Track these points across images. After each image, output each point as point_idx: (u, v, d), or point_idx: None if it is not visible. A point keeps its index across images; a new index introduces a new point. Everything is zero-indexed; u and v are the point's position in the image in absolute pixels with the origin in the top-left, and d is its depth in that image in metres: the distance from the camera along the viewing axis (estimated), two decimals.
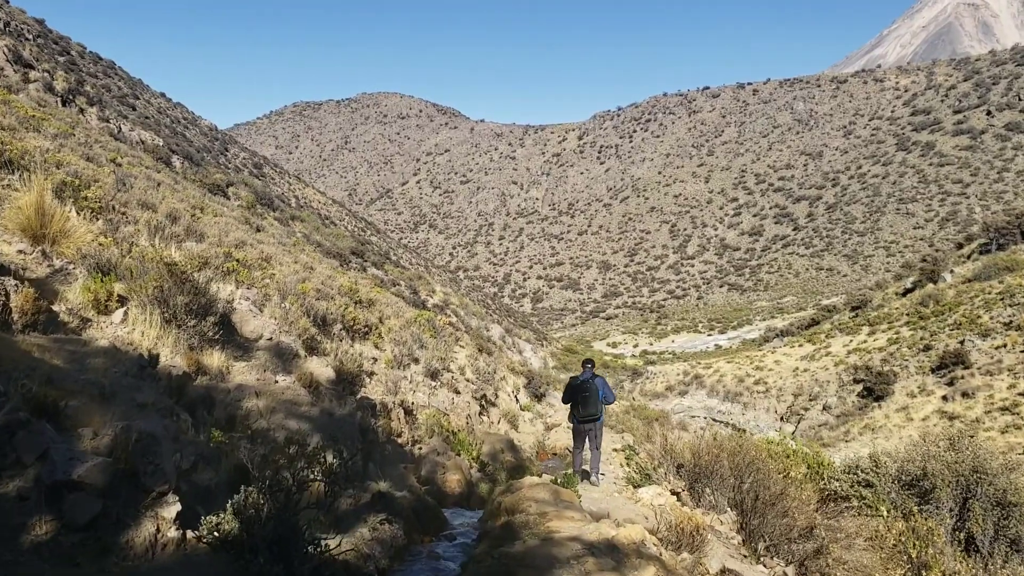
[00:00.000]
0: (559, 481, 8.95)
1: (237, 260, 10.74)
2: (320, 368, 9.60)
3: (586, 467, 11.20)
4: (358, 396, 10.19)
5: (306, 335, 10.35)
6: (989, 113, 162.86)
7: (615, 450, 14.12)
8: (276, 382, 8.26)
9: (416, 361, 14.69)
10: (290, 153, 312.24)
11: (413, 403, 12.69)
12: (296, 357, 9.40)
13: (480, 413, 15.87)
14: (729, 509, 8.05)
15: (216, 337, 7.93)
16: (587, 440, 11.02)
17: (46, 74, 22.93)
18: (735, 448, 7.89)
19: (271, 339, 9.23)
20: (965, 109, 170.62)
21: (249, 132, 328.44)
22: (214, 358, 7.66)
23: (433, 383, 14.51)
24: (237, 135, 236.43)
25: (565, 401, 11.07)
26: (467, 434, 13.32)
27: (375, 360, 13.14)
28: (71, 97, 23.14)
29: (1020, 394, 26.08)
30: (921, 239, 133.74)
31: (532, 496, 7.78)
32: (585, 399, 10.54)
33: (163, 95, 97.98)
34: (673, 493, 8.61)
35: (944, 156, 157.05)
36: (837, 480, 8.90)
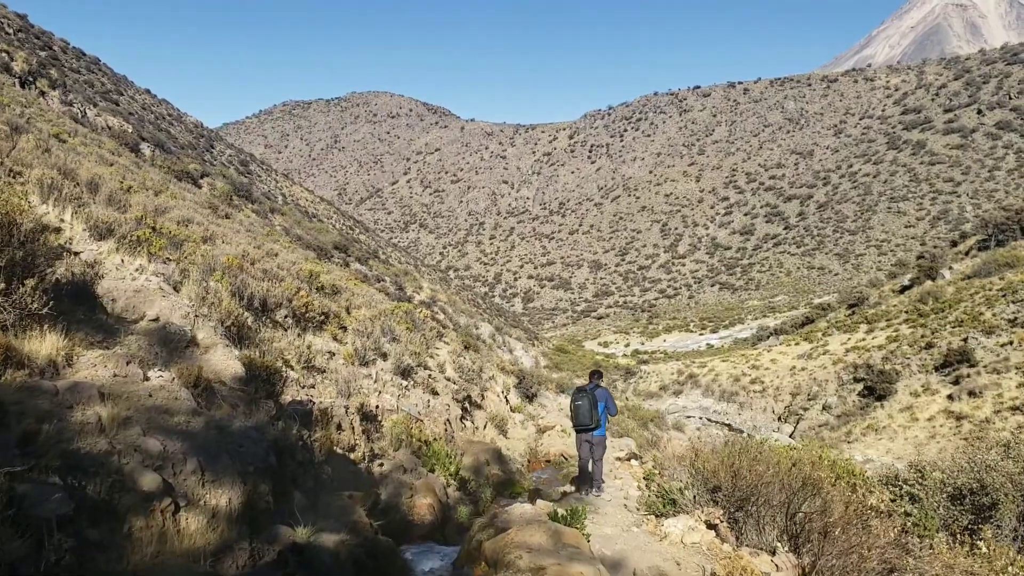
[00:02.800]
0: (560, 515, 7.20)
1: (152, 228, 9.10)
2: (223, 361, 7.46)
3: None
4: (286, 400, 8.19)
5: (231, 320, 8.37)
6: (980, 112, 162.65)
7: (618, 459, 12.71)
8: (146, 379, 5.94)
9: (384, 356, 12.69)
10: (279, 152, 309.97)
11: (377, 407, 10.71)
12: (192, 346, 7.24)
13: (462, 417, 13.94)
14: (779, 544, 6.48)
15: (55, 312, 5.81)
16: (587, 452, 10.50)
17: (3, 54, 21.62)
18: (788, 464, 6.59)
19: (157, 320, 7.06)
20: (956, 108, 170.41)
21: (238, 131, 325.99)
22: (45, 343, 5.57)
23: (404, 382, 12.49)
24: (226, 134, 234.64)
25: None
26: (445, 443, 11.50)
27: (331, 355, 11.07)
28: (31, 79, 21.85)
29: None
30: (912, 238, 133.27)
31: (524, 541, 5.96)
32: (576, 408, 10.24)
33: (148, 91, 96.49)
34: (709, 526, 6.93)
35: (935, 155, 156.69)
36: (872, 492, 7.76)
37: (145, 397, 5.63)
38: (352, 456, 8.86)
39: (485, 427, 14.80)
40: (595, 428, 10.21)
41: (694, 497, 7.52)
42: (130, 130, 25.93)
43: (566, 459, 14.16)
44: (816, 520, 5.69)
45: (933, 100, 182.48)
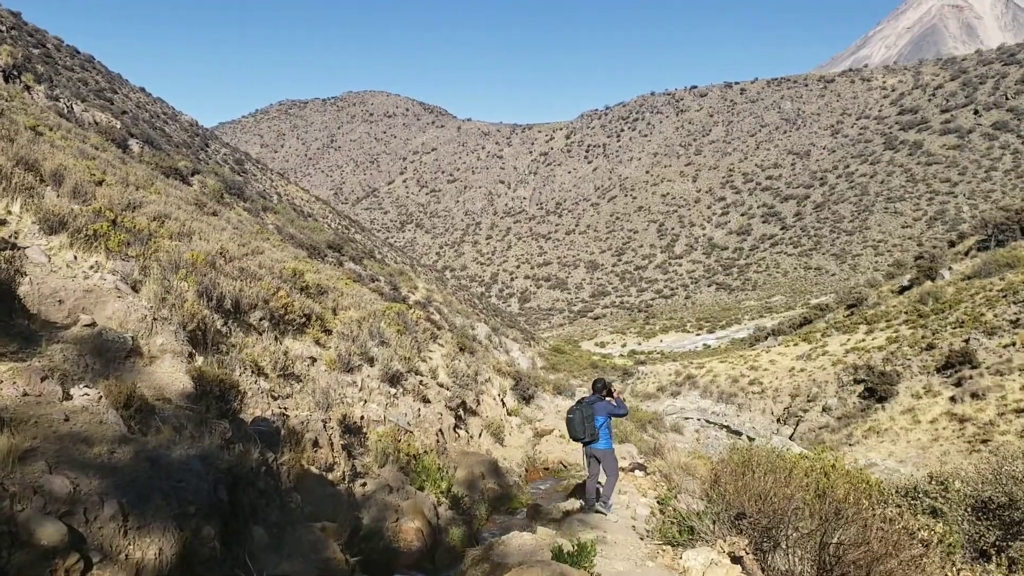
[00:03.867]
0: (566, 553, 6.28)
1: (113, 222, 8.17)
2: (170, 375, 6.40)
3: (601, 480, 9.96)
4: (252, 416, 7.10)
5: (195, 324, 7.45)
6: (976, 112, 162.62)
7: (621, 469, 12.18)
8: (67, 399, 4.90)
9: (371, 362, 11.61)
10: (275, 152, 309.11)
11: (363, 418, 9.71)
12: (134, 356, 6.16)
13: (455, 427, 12.93)
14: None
15: None
16: (596, 467, 9.77)
17: None
18: (818, 484, 6.03)
19: (93, 325, 5.95)
20: (952, 108, 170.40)
21: (234, 131, 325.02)
22: None
23: (393, 390, 11.43)
24: (222, 134, 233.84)
25: None
26: (437, 457, 10.61)
27: (312, 361, 10.09)
28: (16, 73, 21.35)
29: None
30: (909, 238, 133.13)
31: None
32: (568, 422, 9.60)
33: (143, 90, 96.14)
34: (734, 559, 6.02)
35: (932, 155, 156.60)
36: (889, 504, 7.30)
37: (59, 422, 4.55)
38: (330, 477, 7.88)
39: (480, 435, 13.96)
40: (592, 441, 9.55)
41: (714, 523, 6.75)
42: (118, 126, 25.38)
43: (565, 467, 13.54)
44: (851, 551, 5.11)
45: (930, 100, 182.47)
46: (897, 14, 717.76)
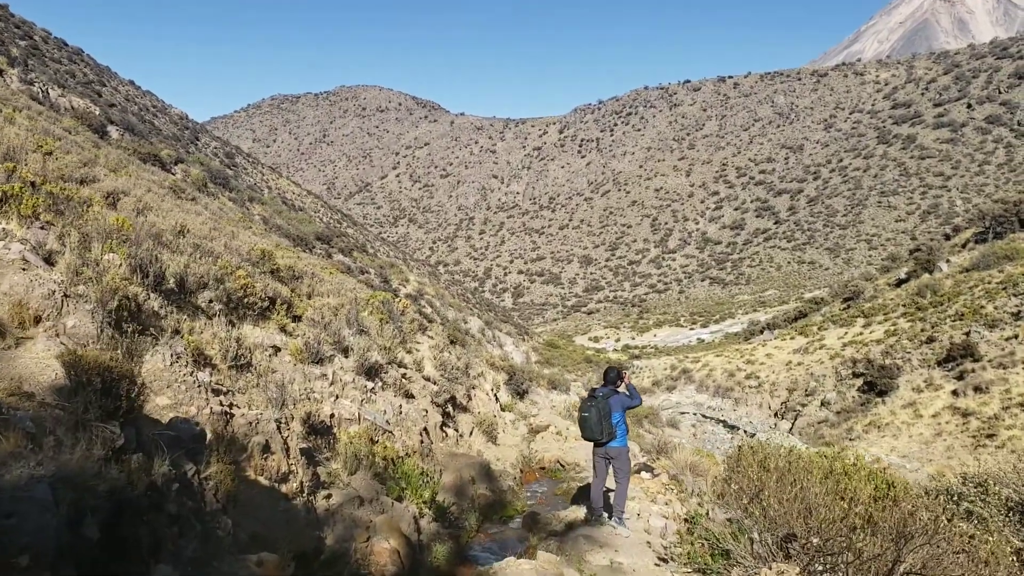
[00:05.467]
0: None
1: (33, 185, 7.13)
2: (40, 361, 5.04)
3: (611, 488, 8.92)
4: (168, 417, 5.70)
5: (117, 301, 6.17)
6: (969, 106, 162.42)
7: None
8: None
9: (345, 352, 10.31)
10: (267, 147, 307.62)
11: (333, 416, 8.42)
12: None
13: (443, 424, 11.67)
14: None
15: None
16: (605, 470, 8.66)
17: None
18: (884, 500, 5.25)
19: None
20: (945, 102, 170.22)
21: (226, 125, 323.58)
22: None
23: (370, 384, 10.09)
24: (214, 128, 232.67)
25: None
26: (420, 460, 9.38)
27: (275, 350, 8.84)
28: None
29: None
30: (903, 232, 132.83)
31: None
32: (582, 421, 8.48)
33: (132, 83, 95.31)
34: None
35: (925, 149, 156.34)
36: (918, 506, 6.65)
37: None
38: (284, 489, 6.52)
39: (471, 434, 12.76)
40: (609, 440, 8.44)
41: (753, 546, 5.59)
42: (97, 112, 24.61)
43: (562, 467, 12.68)
44: None
45: (923, 94, 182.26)
46: (889, 9, 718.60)
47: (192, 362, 6.96)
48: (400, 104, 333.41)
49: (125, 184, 10.60)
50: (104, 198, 9.15)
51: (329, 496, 7.01)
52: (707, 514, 7.34)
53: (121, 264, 7.33)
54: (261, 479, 6.26)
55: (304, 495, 6.70)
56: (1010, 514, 6.15)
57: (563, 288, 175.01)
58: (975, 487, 6.85)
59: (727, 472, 7.09)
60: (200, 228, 10.47)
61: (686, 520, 7.77)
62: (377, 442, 8.91)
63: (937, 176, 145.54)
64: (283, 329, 9.74)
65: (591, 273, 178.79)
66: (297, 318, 10.43)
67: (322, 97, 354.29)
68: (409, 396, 11.24)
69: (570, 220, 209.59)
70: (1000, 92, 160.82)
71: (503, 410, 18.33)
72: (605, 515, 8.68)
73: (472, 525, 8.92)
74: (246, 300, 9.22)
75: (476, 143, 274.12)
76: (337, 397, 9.13)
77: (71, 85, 40.12)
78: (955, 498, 6.74)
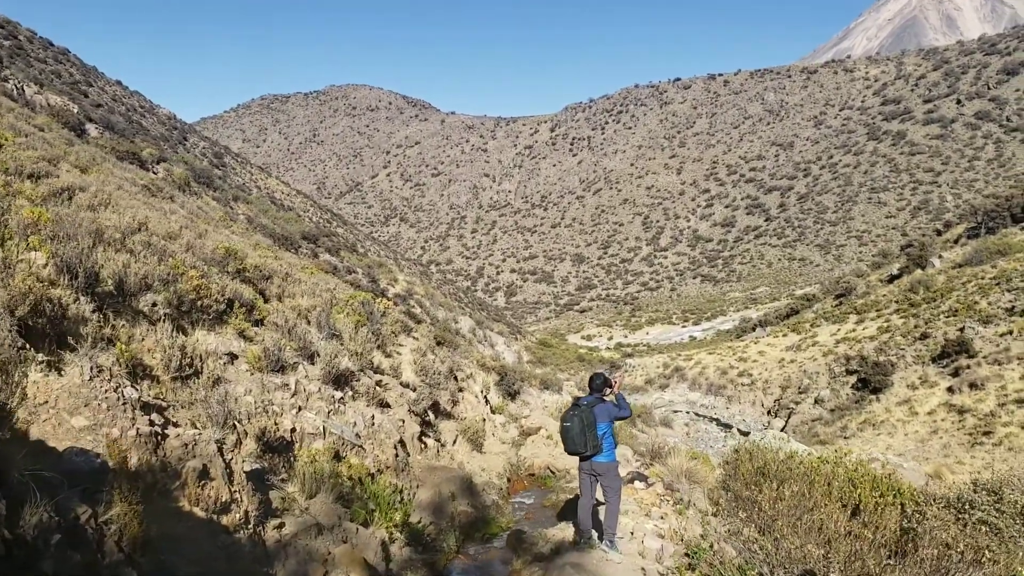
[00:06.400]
0: None
1: None
2: None
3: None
4: (61, 448, 4.81)
5: (28, 307, 5.36)
6: (959, 102, 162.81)
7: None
8: None
9: (311, 359, 9.47)
10: (257, 147, 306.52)
11: (294, 431, 7.55)
12: None
13: (422, 435, 10.73)
14: None
15: None
16: (593, 487, 7.74)
17: None
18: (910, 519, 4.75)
19: None
20: (935, 98, 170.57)
21: (216, 126, 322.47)
22: None
23: (338, 394, 9.20)
24: (203, 129, 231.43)
25: None
26: (394, 476, 8.55)
27: (231, 358, 8.07)
28: None
29: None
30: (893, 228, 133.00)
31: None
32: (564, 431, 7.59)
33: (119, 83, 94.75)
34: None
35: (915, 145, 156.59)
36: (925, 516, 6.27)
37: None
38: (224, 520, 5.59)
39: (455, 443, 11.83)
40: (595, 455, 7.57)
41: None
42: (75, 110, 24.08)
43: (553, 473, 12.14)
44: None
45: (912, 91, 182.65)
46: (878, 6, 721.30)
47: (125, 374, 6.19)
48: (390, 103, 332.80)
49: (86, 181, 10.04)
50: (56, 193, 8.60)
51: (281, 526, 6.19)
52: (711, 547, 6.57)
53: (47, 263, 6.53)
54: (196, 510, 5.44)
55: (250, 526, 5.83)
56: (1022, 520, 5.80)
57: (556, 287, 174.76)
58: (988, 494, 6.49)
59: (724, 480, 6.68)
60: (164, 226, 9.84)
61: (686, 554, 7.01)
62: (344, 459, 8.09)
63: (927, 172, 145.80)
64: (242, 334, 8.94)
65: (583, 271, 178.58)
66: (260, 322, 9.67)
67: (312, 97, 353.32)
68: (384, 405, 10.41)
69: (562, 218, 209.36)
70: (989, 88, 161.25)
71: (493, 412, 17.93)
72: (595, 536, 7.85)
73: (451, 546, 8.18)
74: (200, 303, 8.37)
75: (467, 142, 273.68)
76: (300, 409, 8.27)
77: (56, 85, 39.56)
78: (966, 505, 6.38)
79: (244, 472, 6.07)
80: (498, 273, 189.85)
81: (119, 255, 7.78)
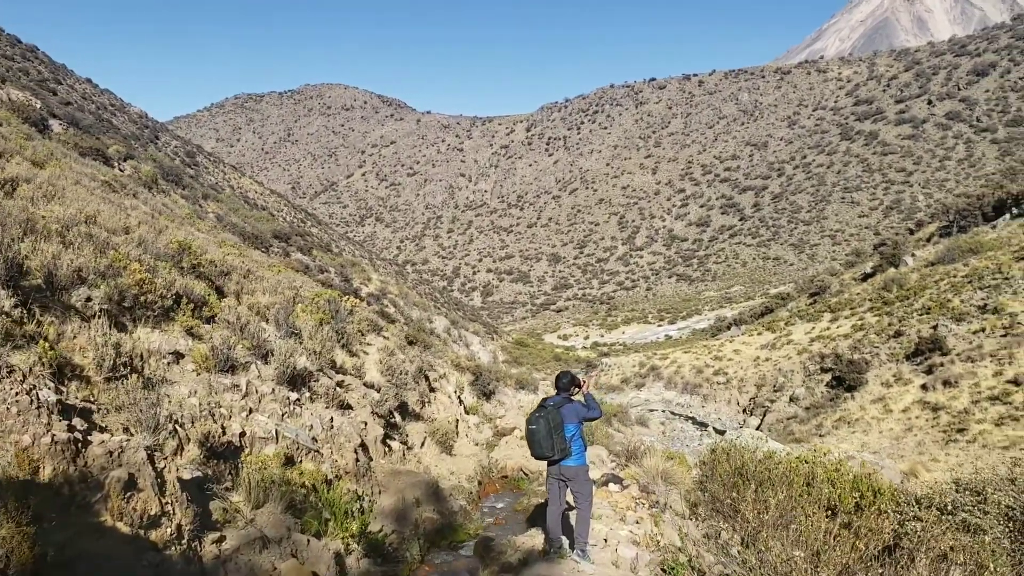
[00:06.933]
0: None
1: None
2: None
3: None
4: None
5: None
6: (930, 103, 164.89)
7: (592, 481, 10.18)
8: None
9: (265, 358, 8.81)
10: (231, 146, 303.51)
11: (243, 435, 6.95)
12: None
13: (386, 438, 10.06)
14: None
15: None
16: (562, 493, 7.23)
17: None
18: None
19: None
20: (907, 99, 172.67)
21: (189, 125, 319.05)
22: None
23: (294, 395, 8.56)
24: (176, 128, 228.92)
25: None
26: (354, 482, 7.93)
27: (177, 357, 7.45)
28: None
29: (1009, 382, 23.98)
30: (866, 227, 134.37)
31: None
32: (530, 434, 7.04)
33: (89, 81, 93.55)
34: None
35: (887, 145, 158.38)
36: (908, 518, 6.03)
37: None
38: (153, 536, 4.99)
39: (423, 445, 11.27)
40: (563, 458, 7.07)
41: None
42: (38, 105, 23.41)
43: (526, 475, 11.75)
44: None
45: (884, 91, 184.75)
46: (851, 7, 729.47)
47: (49, 375, 5.65)
48: (365, 103, 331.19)
49: (36, 174, 9.47)
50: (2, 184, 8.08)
51: (221, 539, 5.51)
52: (689, 561, 6.15)
53: None
54: (120, 525, 4.82)
55: (183, 541, 5.19)
56: (1010, 524, 5.58)
57: (532, 286, 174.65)
58: (972, 495, 6.27)
59: (701, 481, 6.40)
60: (117, 221, 9.36)
61: (663, 569, 6.60)
62: (298, 464, 7.51)
63: (899, 172, 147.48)
64: (190, 332, 8.34)
65: (560, 271, 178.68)
66: (211, 319, 9.10)
67: (286, 96, 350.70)
68: (345, 407, 9.78)
69: (538, 218, 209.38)
70: (960, 89, 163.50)
71: (467, 412, 17.62)
72: (566, 544, 7.41)
73: (415, 556, 7.65)
74: (143, 299, 7.74)
75: (443, 141, 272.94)
76: (251, 411, 7.60)
77: (23, 81, 38.65)
78: (949, 506, 6.16)
79: (179, 481, 5.46)
80: (474, 273, 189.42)
81: (49, 245, 7.20)
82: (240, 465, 6.67)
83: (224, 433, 6.87)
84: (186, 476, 5.78)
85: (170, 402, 6.64)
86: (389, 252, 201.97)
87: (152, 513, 5.06)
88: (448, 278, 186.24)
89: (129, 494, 4.95)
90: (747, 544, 4.80)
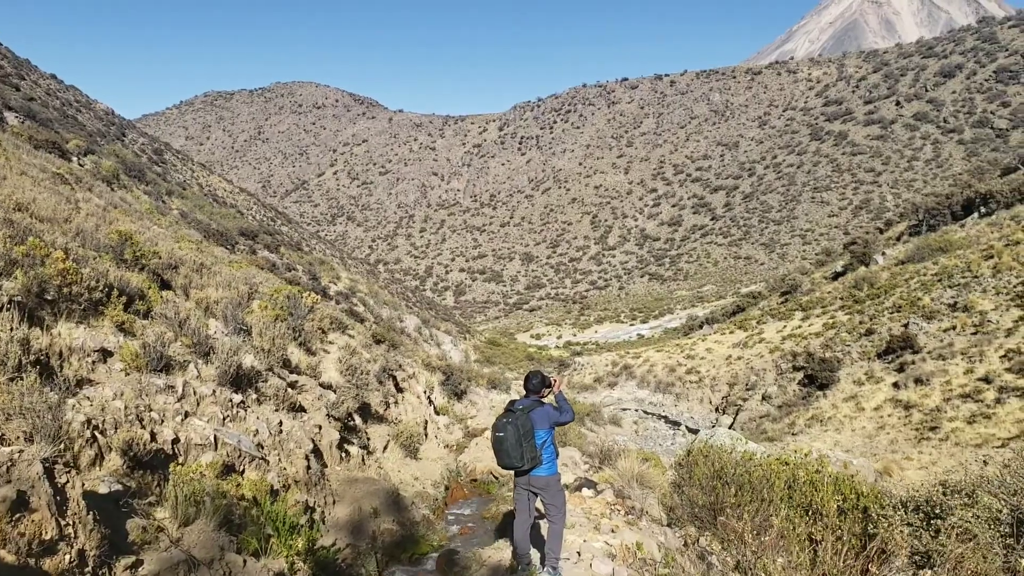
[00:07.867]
0: None
1: None
2: None
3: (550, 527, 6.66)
4: None
5: None
6: (898, 104, 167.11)
7: (565, 485, 9.35)
8: None
9: (206, 356, 8.07)
10: (201, 144, 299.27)
11: (177, 442, 6.29)
12: None
13: (342, 443, 9.36)
14: None
15: None
16: (531, 504, 6.55)
17: None
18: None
19: None
20: (875, 100, 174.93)
21: (158, 123, 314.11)
22: None
23: (238, 397, 7.85)
24: (145, 126, 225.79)
25: None
26: (304, 492, 7.18)
27: (104, 356, 6.75)
28: None
29: (980, 379, 24.02)
30: (836, 227, 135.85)
31: None
32: (497, 442, 6.29)
33: (53, 76, 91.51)
34: None
35: (856, 145, 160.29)
36: (890, 522, 5.69)
37: None
38: (45, 565, 4.16)
39: (386, 449, 10.62)
40: (533, 467, 6.35)
41: None
42: None
43: (496, 478, 11.23)
44: None
45: (854, 92, 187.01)
46: (820, 9, 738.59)
47: None
48: (337, 101, 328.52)
49: None
50: None
51: (137, 564, 4.72)
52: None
53: None
54: (3, 553, 4.01)
55: (87, 569, 4.39)
56: (1000, 527, 5.29)
57: (505, 286, 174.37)
58: (960, 496, 5.96)
59: (678, 483, 6.04)
60: (57, 211, 8.74)
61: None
62: (237, 473, 6.76)
63: (868, 172, 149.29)
64: (122, 328, 7.59)
65: (533, 270, 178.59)
66: (146, 313, 8.38)
67: (257, 94, 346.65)
68: (297, 409, 9.11)
69: (511, 217, 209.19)
70: (927, 90, 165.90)
71: (437, 413, 17.20)
72: (536, 559, 6.75)
73: (370, 572, 7.02)
74: (68, 291, 7.04)
75: (415, 140, 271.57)
76: (187, 415, 6.93)
77: None
78: (937, 510, 5.86)
79: (85, 498, 4.62)
80: (447, 272, 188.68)
81: None
82: (169, 477, 5.90)
83: (153, 440, 6.20)
84: (102, 490, 5.12)
85: (91, 405, 5.95)
86: (361, 251, 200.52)
87: (47, 538, 4.29)
88: (420, 277, 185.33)
89: (18, 516, 4.17)
90: (745, 571, 4.40)
